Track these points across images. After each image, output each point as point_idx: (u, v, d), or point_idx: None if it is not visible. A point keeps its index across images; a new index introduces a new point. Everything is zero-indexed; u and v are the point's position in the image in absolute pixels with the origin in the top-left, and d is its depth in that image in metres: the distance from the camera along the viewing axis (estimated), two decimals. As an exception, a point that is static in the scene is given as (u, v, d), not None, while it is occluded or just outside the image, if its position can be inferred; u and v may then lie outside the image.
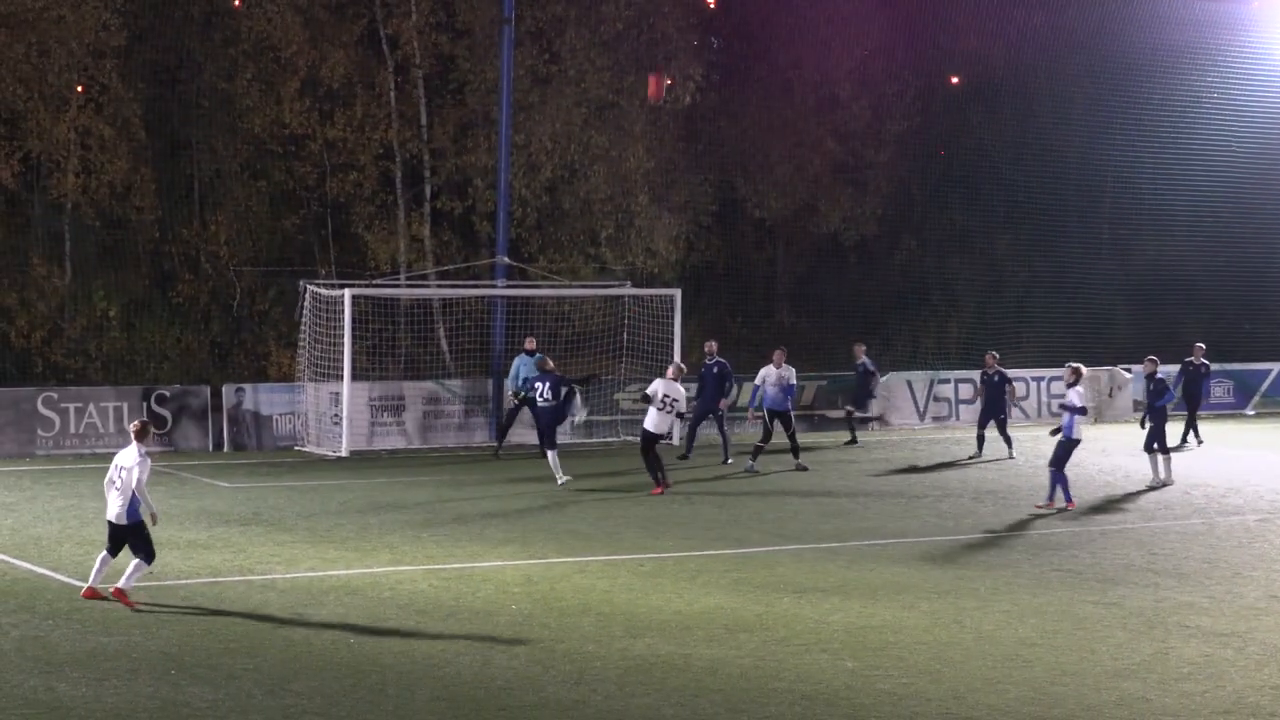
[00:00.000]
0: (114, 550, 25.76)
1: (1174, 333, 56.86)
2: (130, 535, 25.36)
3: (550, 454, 38.39)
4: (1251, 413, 55.19)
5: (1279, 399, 55.81)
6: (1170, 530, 34.26)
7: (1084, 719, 20.69)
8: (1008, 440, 44.80)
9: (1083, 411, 33.80)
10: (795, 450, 42.75)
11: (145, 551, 25.47)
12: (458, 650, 23.89)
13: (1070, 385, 36.04)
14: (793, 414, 42.88)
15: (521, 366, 42.90)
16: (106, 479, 25.67)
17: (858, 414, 47.28)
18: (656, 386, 37.87)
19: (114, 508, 25.50)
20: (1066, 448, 35.83)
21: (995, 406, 45.50)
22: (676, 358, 45.43)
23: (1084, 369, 34.77)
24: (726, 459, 43.30)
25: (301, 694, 21.24)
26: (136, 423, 26.49)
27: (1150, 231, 61.85)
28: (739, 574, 28.79)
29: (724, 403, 44.22)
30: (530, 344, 43.56)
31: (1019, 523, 34.68)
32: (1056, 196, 61.02)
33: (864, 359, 47.78)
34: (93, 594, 25.54)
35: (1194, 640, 24.79)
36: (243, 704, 20.72)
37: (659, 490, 37.30)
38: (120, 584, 24.90)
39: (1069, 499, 35.89)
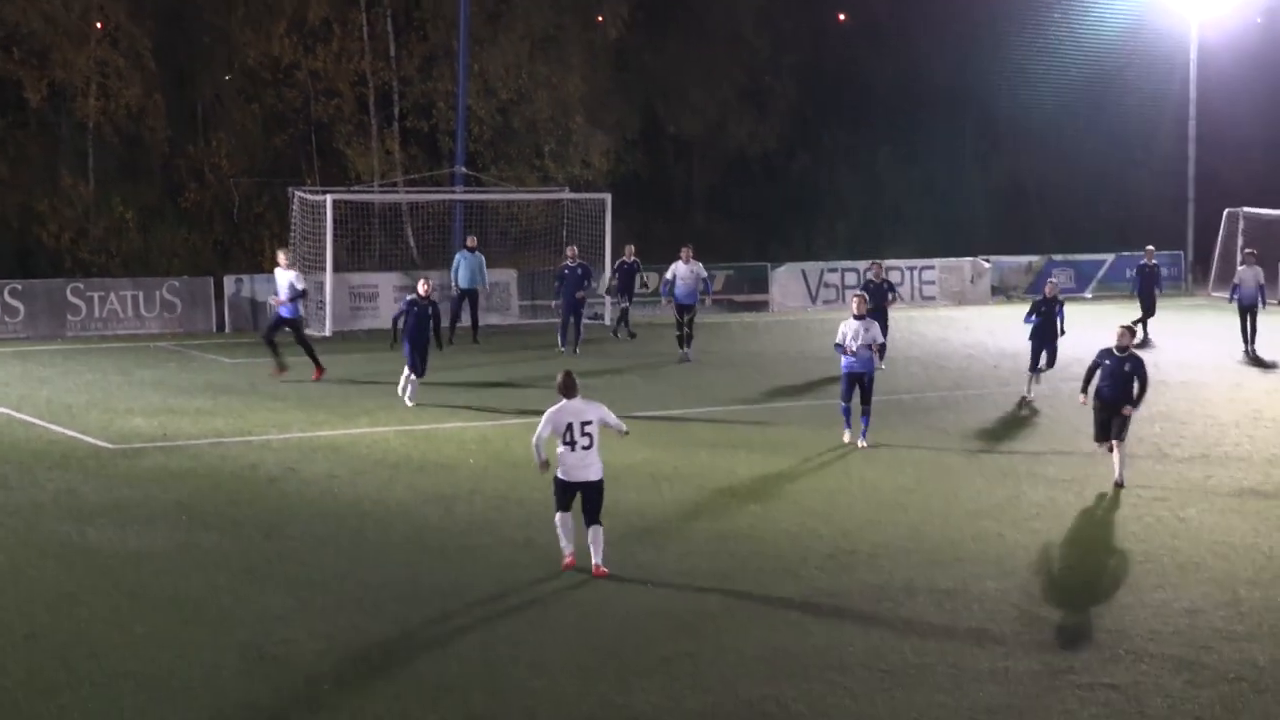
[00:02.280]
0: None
1: (1026, 229, 57.09)
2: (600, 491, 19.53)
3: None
4: (1089, 296, 55.25)
5: (1111, 284, 55.74)
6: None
7: (950, 552, 20.93)
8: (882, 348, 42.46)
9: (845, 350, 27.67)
10: (687, 340, 39.59)
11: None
12: (425, 498, 24.02)
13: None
14: (696, 308, 40.24)
15: (462, 261, 42.44)
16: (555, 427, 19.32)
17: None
18: (677, 268, 37.56)
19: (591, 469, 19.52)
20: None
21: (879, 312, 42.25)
22: (607, 269, 45.22)
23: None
24: (576, 349, 40.58)
25: (294, 537, 21.45)
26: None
27: (1006, 145, 61.78)
28: (664, 434, 28.76)
29: (581, 294, 40.83)
30: (471, 241, 43.18)
31: (896, 390, 34.60)
32: (927, 115, 60.89)
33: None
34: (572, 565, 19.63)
35: (1040, 485, 25.17)
36: (244, 546, 21.05)
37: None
38: (595, 560, 19.48)
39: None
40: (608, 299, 41.88)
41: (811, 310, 51.09)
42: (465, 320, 42.51)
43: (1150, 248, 45.04)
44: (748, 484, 24.93)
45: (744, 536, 21.55)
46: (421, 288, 28.13)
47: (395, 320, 30.35)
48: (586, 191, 49.53)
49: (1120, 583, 20.15)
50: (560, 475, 19.04)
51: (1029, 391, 32.39)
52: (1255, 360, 38.65)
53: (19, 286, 42.83)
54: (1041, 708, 15.40)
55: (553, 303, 39.66)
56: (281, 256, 35.95)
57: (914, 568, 20.19)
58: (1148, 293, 43.43)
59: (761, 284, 50.51)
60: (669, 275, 40.07)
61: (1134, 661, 16.77)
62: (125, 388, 33.92)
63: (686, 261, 39.80)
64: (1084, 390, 25.94)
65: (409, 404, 31.16)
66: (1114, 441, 24.76)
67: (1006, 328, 44.61)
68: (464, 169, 48.64)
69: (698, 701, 15.34)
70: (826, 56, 61.14)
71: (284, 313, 34.79)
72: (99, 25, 48.62)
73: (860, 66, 61.00)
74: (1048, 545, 21.67)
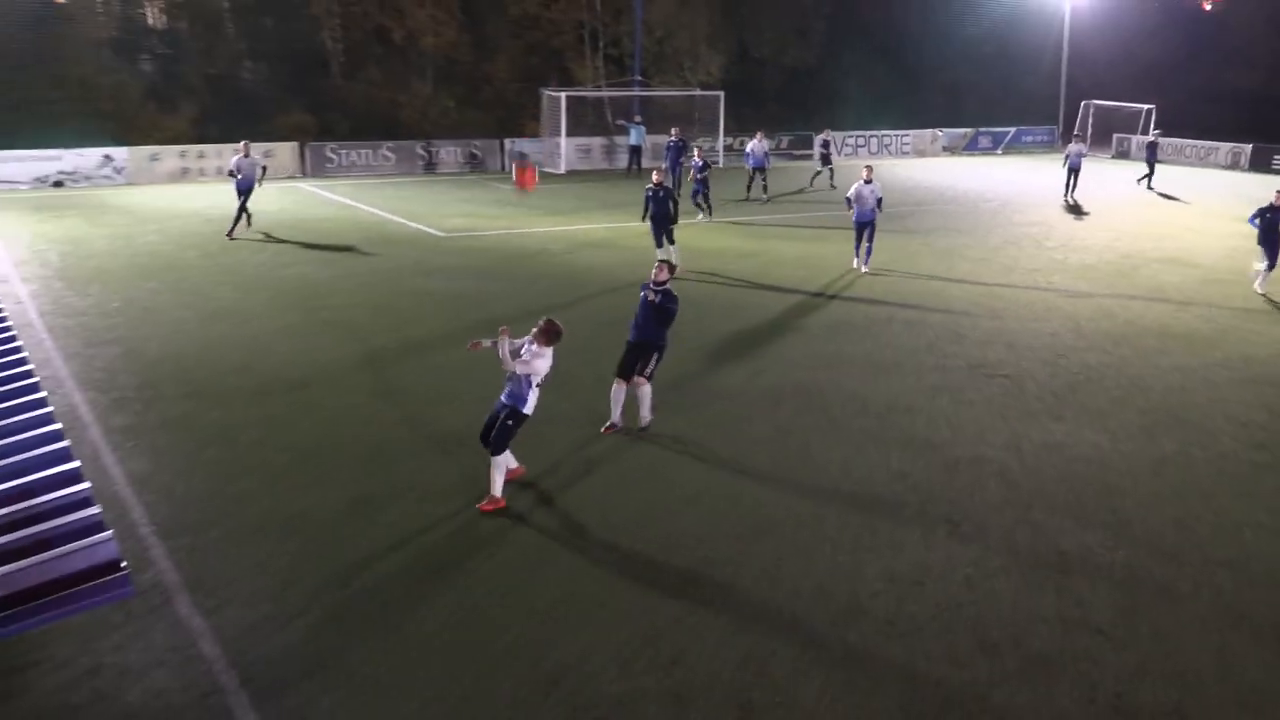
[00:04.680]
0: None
1: (961, 112, 55.06)
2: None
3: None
4: (1000, 152, 53.54)
5: (1015, 145, 53.97)
6: (960, 210, 33.46)
7: (913, 300, 20.33)
8: (879, 201, 40.89)
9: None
10: (764, 189, 34.11)
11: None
12: (619, 261, 23.48)
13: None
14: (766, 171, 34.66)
15: (632, 129, 42.73)
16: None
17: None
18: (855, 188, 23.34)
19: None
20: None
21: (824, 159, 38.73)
22: (721, 137, 44.21)
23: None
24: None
25: (543, 287, 21.18)
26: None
27: (949, 62, 59.07)
28: (748, 230, 28.44)
29: (682, 160, 33.60)
30: (637, 117, 43.91)
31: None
32: (904, 45, 58.01)
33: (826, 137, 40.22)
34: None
35: (966, 261, 24.34)
36: (517, 289, 20.72)
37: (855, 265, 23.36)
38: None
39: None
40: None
41: (838, 160, 49.86)
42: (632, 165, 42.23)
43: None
44: (803, 259, 24.45)
45: (805, 290, 21.24)
46: (655, 176, 23.85)
47: (646, 203, 26.72)
48: (708, 91, 48.45)
49: (1008, 319, 19.69)
50: (528, 411, 10.85)
51: (1259, 287, 21.62)
52: (1072, 207, 36.76)
53: (390, 144, 42.91)
54: (962, 387, 15.25)
55: (661, 165, 38.07)
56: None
57: (893, 308, 19.62)
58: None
59: (808, 143, 49.28)
60: (747, 150, 35.14)
61: (1017, 360, 16.53)
62: (449, 202, 33.87)
63: (760, 141, 34.78)
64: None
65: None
66: None
67: (949, 172, 43.44)
68: (639, 77, 47.89)
69: (766, 381, 15.16)
70: (847, 6, 58.33)
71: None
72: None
73: (869, 15, 58.17)
74: (970, 294, 21.19)
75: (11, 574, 5.31)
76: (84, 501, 5.92)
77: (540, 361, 10.93)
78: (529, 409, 10.96)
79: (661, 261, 13.51)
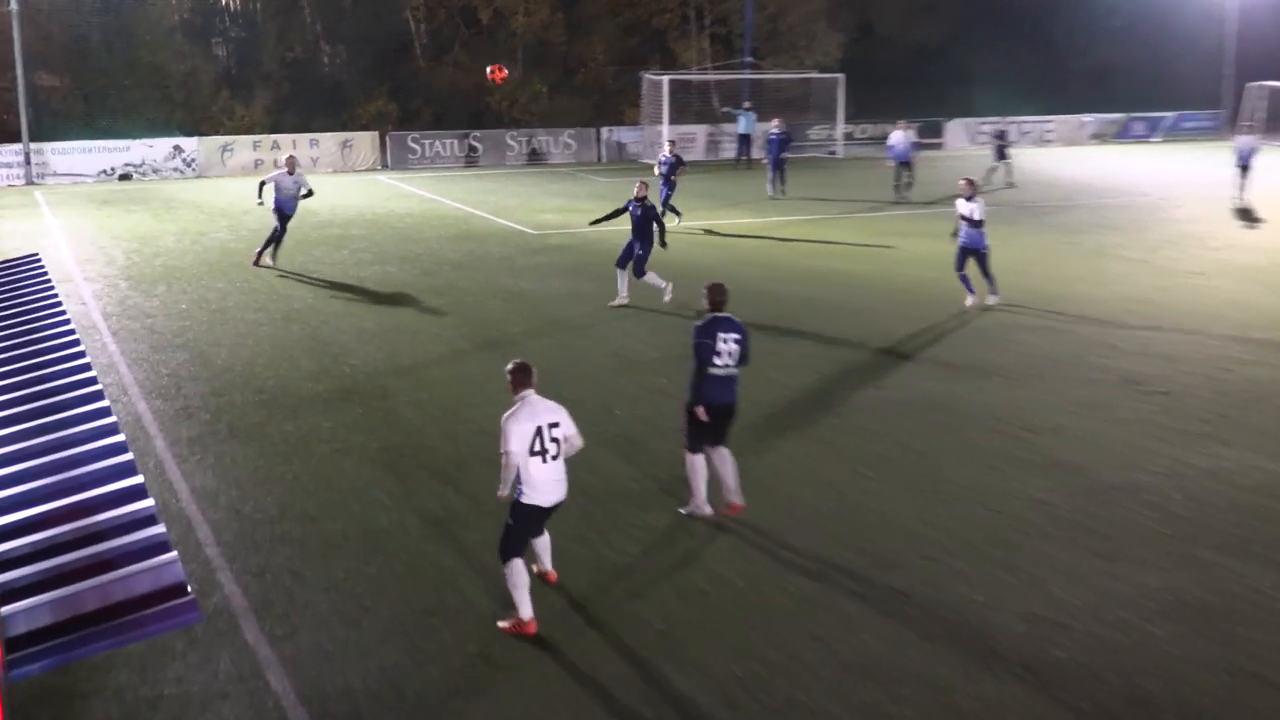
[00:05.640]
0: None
1: (1113, 95, 53.98)
2: None
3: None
4: (1157, 140, 52.35)
5: (1176, 133, 52.81)
6: (1113, 204, 32.85)
7: (1058, 306, 20.33)
8: (998, 171, 36.34)
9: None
10: (909, 185, 33.40)
11: None
12: (724, 259, 23.86)
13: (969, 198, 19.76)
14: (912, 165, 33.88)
15: (741, 116, 42.44)
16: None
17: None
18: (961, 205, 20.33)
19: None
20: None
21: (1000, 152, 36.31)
22: (840, 123, 44.04)
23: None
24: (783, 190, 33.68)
25: (638, 289, 21.00)
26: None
27: (1099, 39, 57.97)
28: (872, 225, 28.16)
29: (785, 154, 33.75)
30: (747, 104, 43.70)
31: (1024, 199, 33.30)
32: (1045, 21, 57.13)
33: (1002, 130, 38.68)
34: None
35: (1119, 263, 24.08)
36: (610, 292, 20.35)
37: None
38: (545, 568, 10.16)
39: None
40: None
41: (970, 149, 49.32)
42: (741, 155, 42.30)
43: None
44: (920, 257, 24.32)
45: (924, 279, 21.32)
46: (637, 190, 21.04)
47: (768, 152, 30.41)
48: (825, 73, 48.18)
49: (1166, 328, 19.24)
50: (526, 499, 9.02)
51: None
52: (1243, 210, 35.04)
53: (477, 133, 43.44)
54: (1113, 403, 14.86)
55: (764, 158, 37.19)
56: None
57: (1034, 315, 19.55)
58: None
59: (937, 131, 48.75)
60: (890, 142, 34.50)
61: (1177, 374, 16.08)
62: (540, 196, 34.22)
63: (903, 130, 33.88)
64: None
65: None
66: None
67: (1098, 162, 42.66)
68: (749, 59, 47.83)
69: (892, 395, 15.04)
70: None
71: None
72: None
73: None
74: (1123, 299, 20.78)
75: (70, 596, 5.40)
76: (148, 519, 6.01)
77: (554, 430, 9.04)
78: (532, 496, 9.07)
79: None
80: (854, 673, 8.59)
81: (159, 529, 5.87)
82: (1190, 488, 12.17)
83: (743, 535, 10.82)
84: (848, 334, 18.20)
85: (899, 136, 33.92)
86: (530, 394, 9.13)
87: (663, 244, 19.64)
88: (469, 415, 14.15)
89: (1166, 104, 54.30)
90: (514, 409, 9.06)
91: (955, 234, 20.13)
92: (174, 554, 5.67)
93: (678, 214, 27.64)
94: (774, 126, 33.96)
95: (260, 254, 23.21)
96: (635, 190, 19.67)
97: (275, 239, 22.95)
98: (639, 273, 19.58)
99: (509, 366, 9.28)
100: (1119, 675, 8.66)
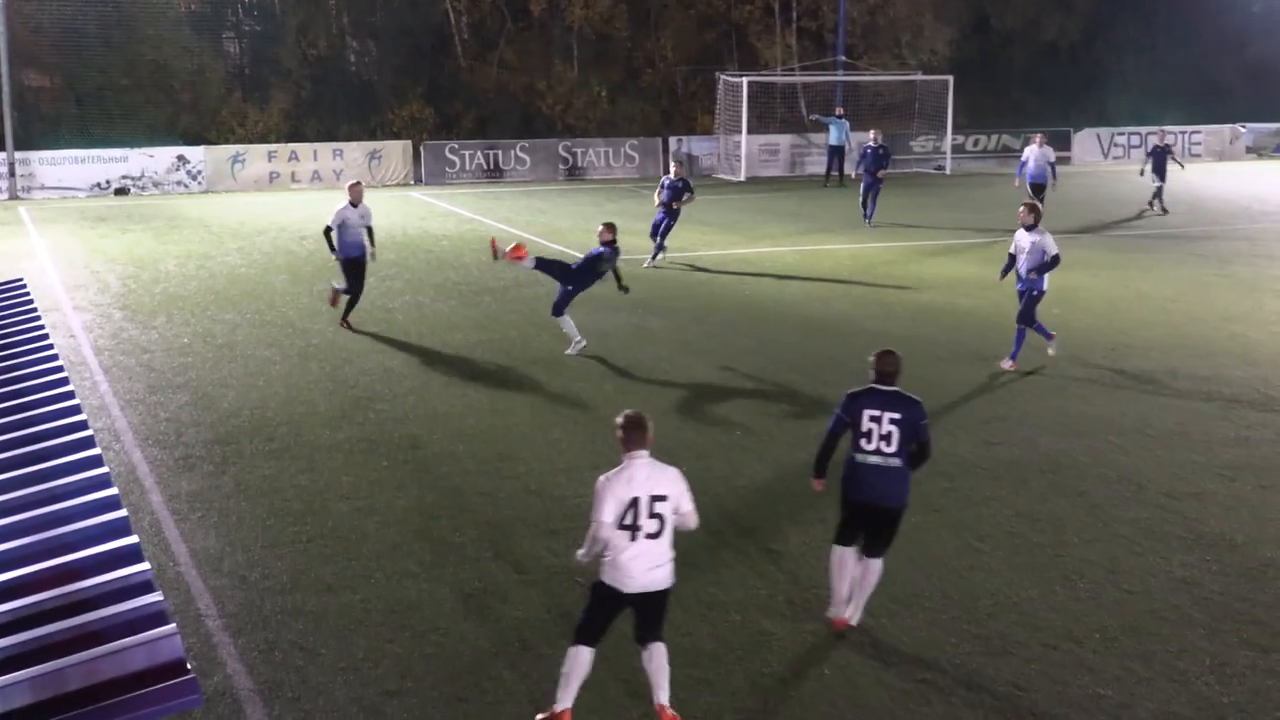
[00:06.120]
0: None
1: (1273, 100, 53.61)
2: None
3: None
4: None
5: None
6: (1272, 230, 32.55)
7: (1204, 349, 20.29)
8: (1159, 195, 35.47)
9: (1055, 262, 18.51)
10: (1160, 206, 34.00)
11: None
12: (810, 294, 24.02)
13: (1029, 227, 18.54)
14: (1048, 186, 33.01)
15: (832, 125, 42.54)
16: None
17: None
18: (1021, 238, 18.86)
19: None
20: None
21: (1160, 170, 34.96)
22: (949, 133, 44.06)
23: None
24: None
25: (717, 321, 21.84)
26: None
27: (1255, 34, 57.55)
28: (986, 255, 28.07)
29: (881, 174, 33.02)
30: (840, 110, 43.48)
31: (1167, 225, 33.09)
32: (1195, 12, 56.85)
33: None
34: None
35: (1276, 300, 24.02)
36: (681, 326, 21.58)
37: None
38: (661, 700, 9.24)
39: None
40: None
41: (1104, 164, 49.00)
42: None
43: None
44: (1051, 293, 24.14)
45: (1048, 327, 20.97)
46: (602, 233, 20.62)
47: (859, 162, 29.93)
48: (932, 74, 48.16)
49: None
50: (604, 577, 8.70)
51: None
52: None
53: (525, 144, 43.83)
54: (1270, 466, 14.68)
55: (854, 171, 36.75)
56: None
57: (1177, 359, 19.51)
58: None
59: (1065, 143, 48.48)
60: (1024, 158, 33.78)
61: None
62: (597, 216, 34.34)
63: (1040, 146, 33.42)
64: None
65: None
66: None
67: (1255, 180, 42.30)
68: (843, 57, 47.87)
69: (1008, 453, 15.07)
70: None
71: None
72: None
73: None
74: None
75: (53, 673, 5.45)
76: (143, 586, 6.06)
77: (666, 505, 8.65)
78: (612, 576, 8.72)
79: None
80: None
81: (155, 597, 5.93)
82: (1363, 567, 12.00)
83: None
84: (951, 377, 18.15)
85: (1035, 152, 33.39)
86: (642, 456, 8.67)
87: (622, 288, 20.13)
88: (512, 471, 14.14)
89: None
90: (615, 471, 8.69)
91: (1007, 272, 19.12)
92: (172, 626, 5.72)
93: (663, 250, 27.39)
94: (872, 139, 33.71)
95: (346, 316, 21.07)
96: (601, 234, 19.72)
97: (352, 298, 20.93)
98: (557, 312, 19.61)
99: (618, 419, 8.88)
100: (1276, 789, 8.53)
